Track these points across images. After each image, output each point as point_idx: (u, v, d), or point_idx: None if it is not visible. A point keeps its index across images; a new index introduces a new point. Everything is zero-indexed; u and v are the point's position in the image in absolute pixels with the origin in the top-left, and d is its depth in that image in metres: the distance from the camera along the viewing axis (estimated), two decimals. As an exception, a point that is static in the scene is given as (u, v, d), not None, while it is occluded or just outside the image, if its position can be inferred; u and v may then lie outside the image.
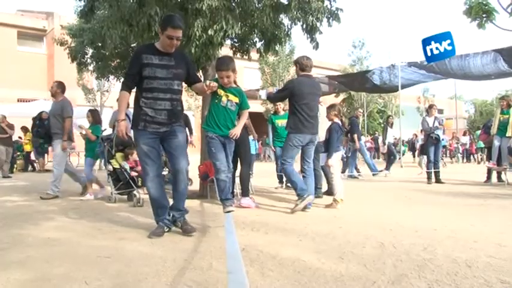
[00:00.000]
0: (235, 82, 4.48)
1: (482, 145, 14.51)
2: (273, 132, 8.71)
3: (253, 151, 11.84)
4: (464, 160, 22.73)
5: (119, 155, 6.72)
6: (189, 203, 5.98)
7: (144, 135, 4.00)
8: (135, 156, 6.67)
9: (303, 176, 5.76)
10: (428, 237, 3.90)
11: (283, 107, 8.65)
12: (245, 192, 6.11)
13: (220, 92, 4.27)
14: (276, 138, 8.63)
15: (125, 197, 6.71)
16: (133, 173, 6.63)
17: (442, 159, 17.17)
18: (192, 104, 24.23)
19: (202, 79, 5.79)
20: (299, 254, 3.27)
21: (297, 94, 5.52)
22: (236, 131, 4.29)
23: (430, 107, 10.34)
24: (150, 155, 4.00)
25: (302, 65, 5.71)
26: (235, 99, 4.35)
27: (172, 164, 4.13)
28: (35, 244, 3.72)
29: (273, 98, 6.53)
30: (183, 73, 4.13)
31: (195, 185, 7.81)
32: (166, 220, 4.11)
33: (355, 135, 11.37)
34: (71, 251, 3.45)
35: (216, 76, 4.40)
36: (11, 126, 13.40)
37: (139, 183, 6.57)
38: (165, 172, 6.98)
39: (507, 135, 9.05)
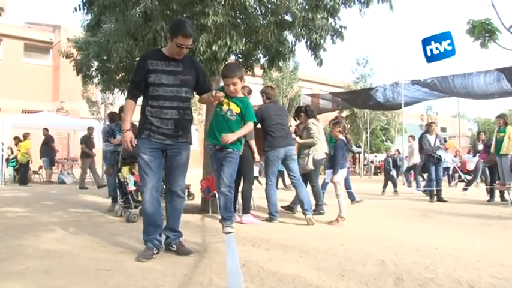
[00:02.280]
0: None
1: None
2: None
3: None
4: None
5: (125, 168, 6.62)
6: (190, 218, 6.00)
7: (147, 144, 3.73)
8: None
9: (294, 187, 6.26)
10: (429, 255, 3.87)
11: None
12: (246, 210, 6.08)
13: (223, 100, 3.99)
14: None
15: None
16: (131, 188, 6.41)
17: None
18: (195, 118, 24.26)
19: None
20: (300, 271, 3.25)
21: (266, 118, 6.15)
22: (229, 137, 3.94)
23: (430, 125, 10.27)
24: (151, 165, 3.72)
25: (268, 94, 6.51)
26: (237, 109, 4.07)
27: (169, 183, 3.87)
28: (34, 256, 3.71)
29: None
30: (191, 80, 3.85)
31: (197, 200, 7.79)
32: (157, 241, 3.78)
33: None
34: (71, 263, 3.44)
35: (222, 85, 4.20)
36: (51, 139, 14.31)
37: (140, 198, 6.35)
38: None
39: (501, 152, 9.03)
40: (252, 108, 4.24)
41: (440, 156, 9.60)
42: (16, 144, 14.88)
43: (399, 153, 15.50)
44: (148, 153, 3.72)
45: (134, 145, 3.79)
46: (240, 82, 4.04)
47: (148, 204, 3.75)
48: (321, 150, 6.97)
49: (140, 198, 5.92)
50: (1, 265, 3.37)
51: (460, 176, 16.27)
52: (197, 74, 3.92)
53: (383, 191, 12.12)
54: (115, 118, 7.87)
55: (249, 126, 4.19)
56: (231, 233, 3.87)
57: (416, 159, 13.04)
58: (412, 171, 13.89)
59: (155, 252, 3.72)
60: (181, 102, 3.79)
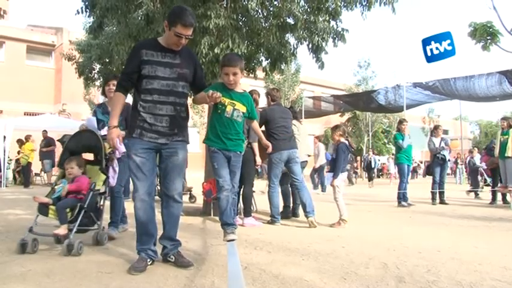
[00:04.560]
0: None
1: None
2: (397, 150, 9.45)
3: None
4: (469, 181, 22.47)
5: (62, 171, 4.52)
6: (191, 220, 6.00)
7: (138, 144, 3.37)
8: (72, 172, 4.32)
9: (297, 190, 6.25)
10: (432, 258, 3.86)
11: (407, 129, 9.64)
12: (247, 213, 6.06)
13: (225, 100, 3.57)
14: (405, 155, 9.24)
15: (129, 213, 6.62)
16: (40, 199, 4.24)
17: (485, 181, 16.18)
18: (197, 120, 24.27)
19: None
20: (302, 274, 3.24)
21: (270, 120, 6.17)
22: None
23: (436, 127, 10.31)
24: (143, 168, 3.36)
25: (273, 96, 6.52)
26: (243, 108, 3.68)
27: (165, 186, 3.52)
28: (36, 258, 3.71)
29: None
30: (189, 74, 3.51)
31: (199, 202, 7.78)
32: (151, 251, 3.45)
33: None
34: (72, 266, 3.43)
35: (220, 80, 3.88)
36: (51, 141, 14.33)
37: (51, 216, 4.20)
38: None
39: (506, 155, 8.98)
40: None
41: (444, 156, 9.59)
42: (20, 147, 14.90)
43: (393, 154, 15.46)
44: (140, 154, 3.38)
45: (122, 144, 3.43)
46: (240, 73, 3.64)
47: (140, 212, 3.41)
48: (303, 152, 6.89)
49: (52, 219, 4.20)
50: (2, 267, 3.37)
51: (486, 180, 15.45)
52: (195, 68, 3.61)
53: (469, 191, 12.14)
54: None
55: (258, 125, 4.08)
56: (234, 240, 3.54)
57: (322, 160, 13.26)
58: (317, 173, 13.96)
59: (149, 263, 3.40)
60: (177, 97, 3.46)
